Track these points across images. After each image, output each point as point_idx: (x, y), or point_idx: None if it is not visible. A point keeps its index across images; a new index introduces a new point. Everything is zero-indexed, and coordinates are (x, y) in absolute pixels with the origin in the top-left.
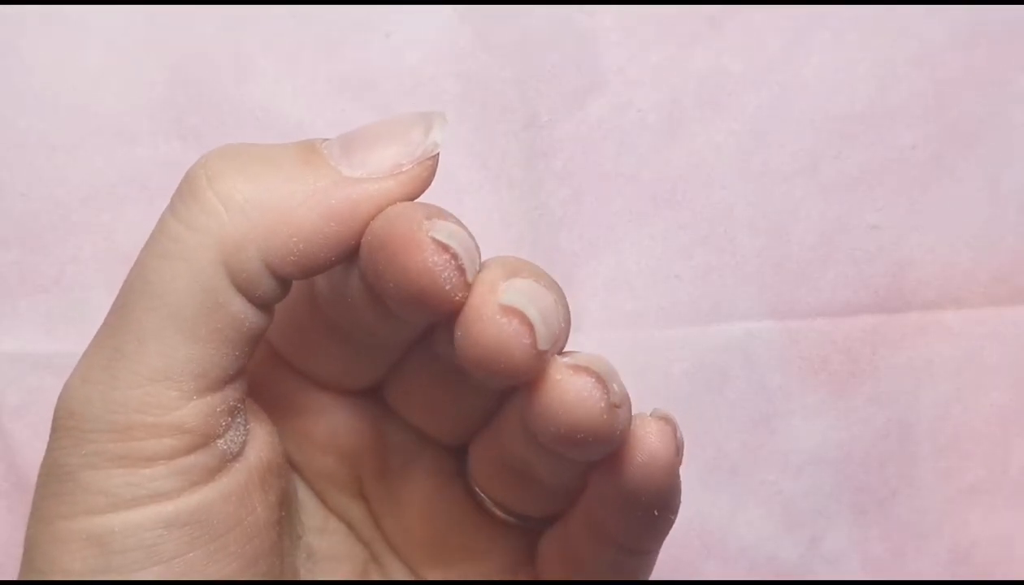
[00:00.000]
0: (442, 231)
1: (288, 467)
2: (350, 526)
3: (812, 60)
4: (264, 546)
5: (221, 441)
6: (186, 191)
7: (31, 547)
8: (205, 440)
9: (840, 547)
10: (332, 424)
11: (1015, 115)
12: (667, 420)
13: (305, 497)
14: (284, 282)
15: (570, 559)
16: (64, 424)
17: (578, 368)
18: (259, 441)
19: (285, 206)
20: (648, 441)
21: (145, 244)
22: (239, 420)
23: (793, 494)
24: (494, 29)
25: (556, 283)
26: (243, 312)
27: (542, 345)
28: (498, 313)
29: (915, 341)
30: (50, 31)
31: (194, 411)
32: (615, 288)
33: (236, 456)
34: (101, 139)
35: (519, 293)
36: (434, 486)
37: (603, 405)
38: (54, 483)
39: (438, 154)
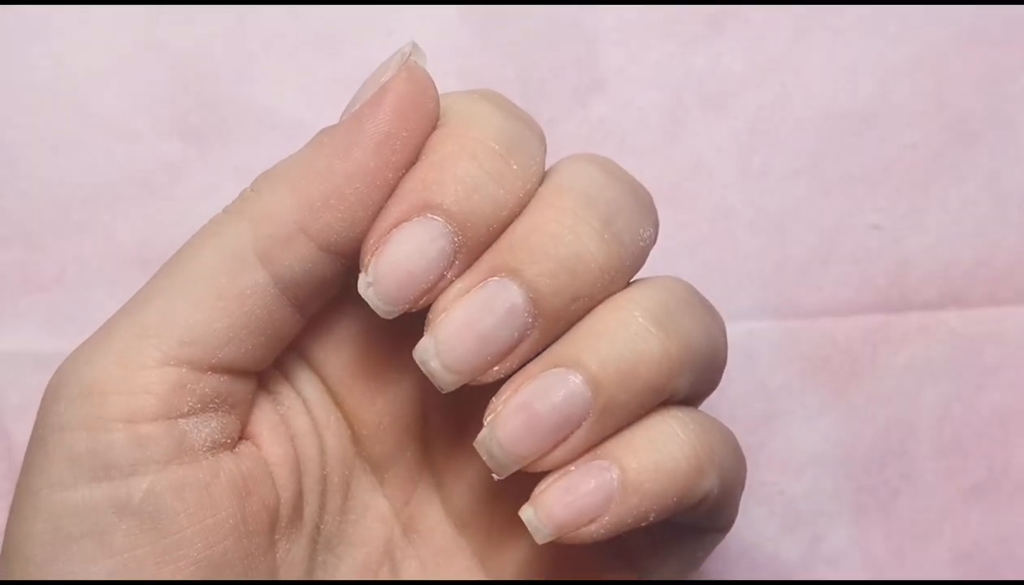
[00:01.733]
0: None
1: (294, 475)
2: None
3: (812, 60)
4: (233, 555)
5: (184, 422)
6: None
7: (5, 528)
8: (167, 411)
9: (841, 547)
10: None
11: (1016, 114)
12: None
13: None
14: (321, 256)
15: None
16: (50, 389)
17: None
18: (245, 455)
19: (304, 165)
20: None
21: None
22: (212, 417)
23: (794, 494)
24: (495, 28)
25: None
26: (256, 286)
27: None
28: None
29: (916, 341)
30: (50, 31)
31: (163, 376)
32: None
33: (201, 451)
34: (101, 139)
35: None
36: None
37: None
38: (29, 455)
39: (412, 63)
